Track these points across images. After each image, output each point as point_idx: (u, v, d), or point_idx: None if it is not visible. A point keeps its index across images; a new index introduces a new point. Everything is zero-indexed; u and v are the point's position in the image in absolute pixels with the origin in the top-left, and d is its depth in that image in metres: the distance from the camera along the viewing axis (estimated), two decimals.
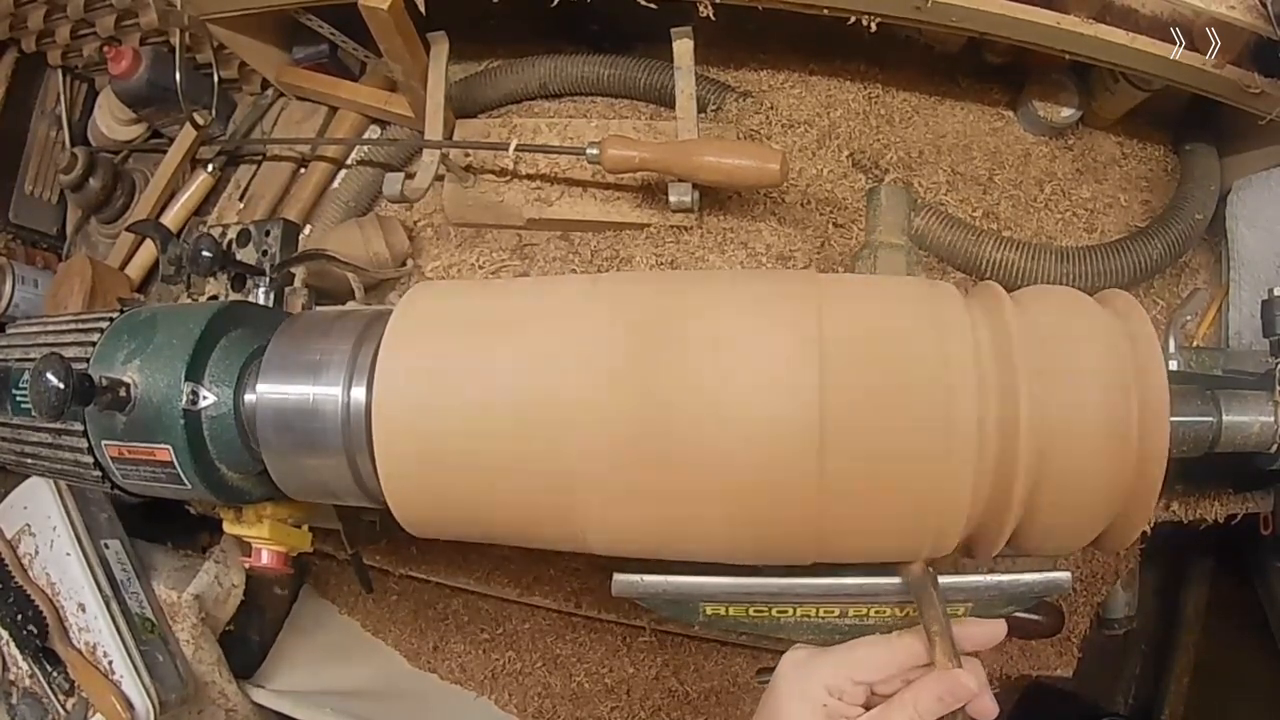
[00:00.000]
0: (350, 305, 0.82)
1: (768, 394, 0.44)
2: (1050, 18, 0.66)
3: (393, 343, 0.50)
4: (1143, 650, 1.28)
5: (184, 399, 0.54)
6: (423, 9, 0.78)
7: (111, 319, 0.60)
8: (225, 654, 1.05)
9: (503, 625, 1.24)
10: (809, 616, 0.49)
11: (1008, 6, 0.66)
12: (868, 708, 0.46)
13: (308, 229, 0.97)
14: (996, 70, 0.87)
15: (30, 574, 0.95)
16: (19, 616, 0.91)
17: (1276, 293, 0.58)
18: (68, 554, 0.93)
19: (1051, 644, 0.97)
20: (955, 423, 0.43)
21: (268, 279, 0.83)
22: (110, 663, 0.91)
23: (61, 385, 0.50)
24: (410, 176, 0.85)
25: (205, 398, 0.56)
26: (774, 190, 0.84)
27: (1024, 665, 0.98)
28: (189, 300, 0.90)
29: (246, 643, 1.17)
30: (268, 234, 0.86)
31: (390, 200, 0.86)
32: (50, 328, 0.64)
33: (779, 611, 0.50)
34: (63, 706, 0.92)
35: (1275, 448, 0.51)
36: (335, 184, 1.00)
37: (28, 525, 0.96)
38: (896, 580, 0.47)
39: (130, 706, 0.89)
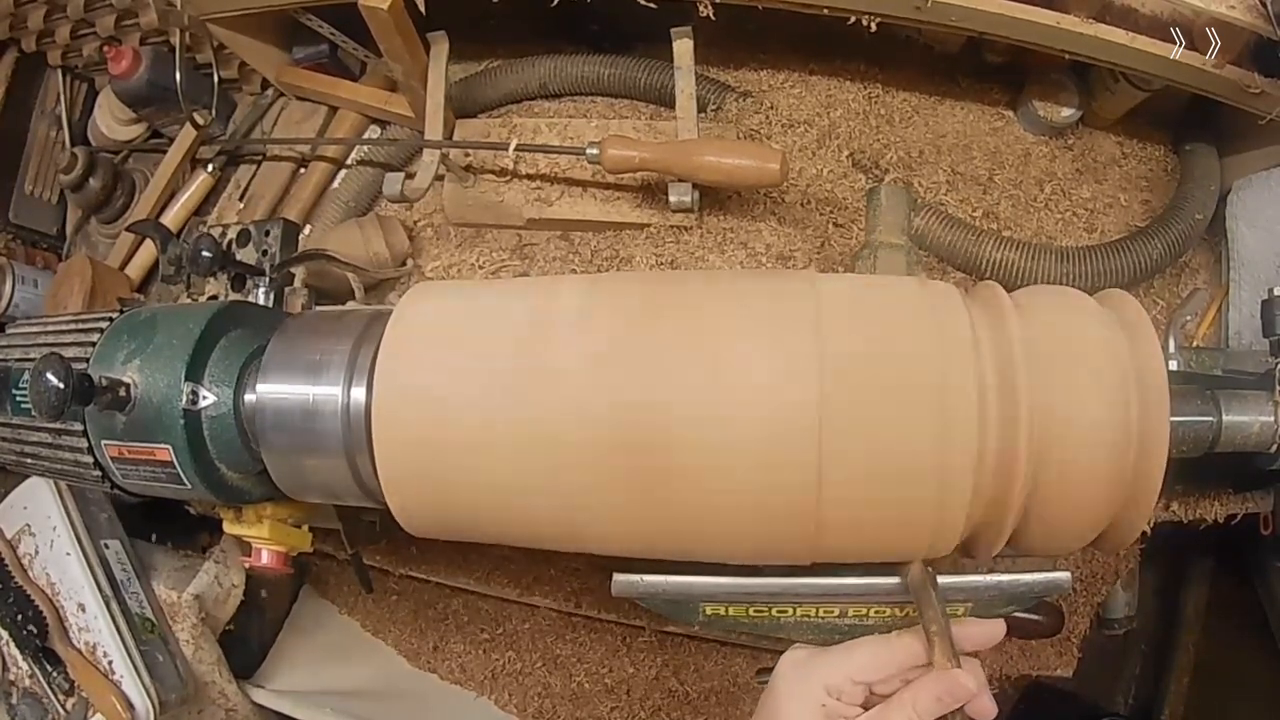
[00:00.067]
0: (350, 305, 0.82)
1: (767, 395, 0.44)
2: (1050, 17, 0.66)
3: (393, 343, 0.50)
4: (1143, 650, 1.28)
5: (184, 399, 0.54)
6: (423, 9, 0.78)
7: (111, 319, 0.60)
8: (225, 654, 1.05)
9: (503, 625, 1.24)
10: (809, 616, 0.49)
11: (1007, 6, 0.66)
12: (866, 708, 0.46)
13: (308, 229, 0.97)
14: (996, 70, 0.87)
15: (30, 574, 0.95)
16: (19, 616, 0.91)
17: (1276, 293, 0.58)
18: (68, 554, 0.93)
19: (1051, 644, 0.97)
20: (955, 423, 0.43)
21: (268, 279, 0.83)
22: (110, 663, 0.91)
23: (61, 385, 0.50)
24: (410, 176, 0.85)
25: (205, 398, 0.56)
26: (774, 190, 0.84)
27: (1024, 665, 0.98)
28: (189, 300, 0.90)
29: (246, 643, 1.17)
30: (268, 234, 0.86)
31: (390, 200, 0.86)
32: (50, 328, 0.64)
33: (779, 611, 0.50)
34: (63, 706, 0.92)
35: (1275, 448, 0.51)
36: (335, 184, 1.00)
37: (28, 525, 0.96)
38: (896, 580, 0.47)
39: (130, 706, 0.89)
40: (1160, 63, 0.66)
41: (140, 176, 1.11)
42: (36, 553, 0.95)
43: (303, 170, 1.02)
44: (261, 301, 0.82)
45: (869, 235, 0.67)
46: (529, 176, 0.88)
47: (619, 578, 0.50)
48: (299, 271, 0.83)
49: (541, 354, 0.47)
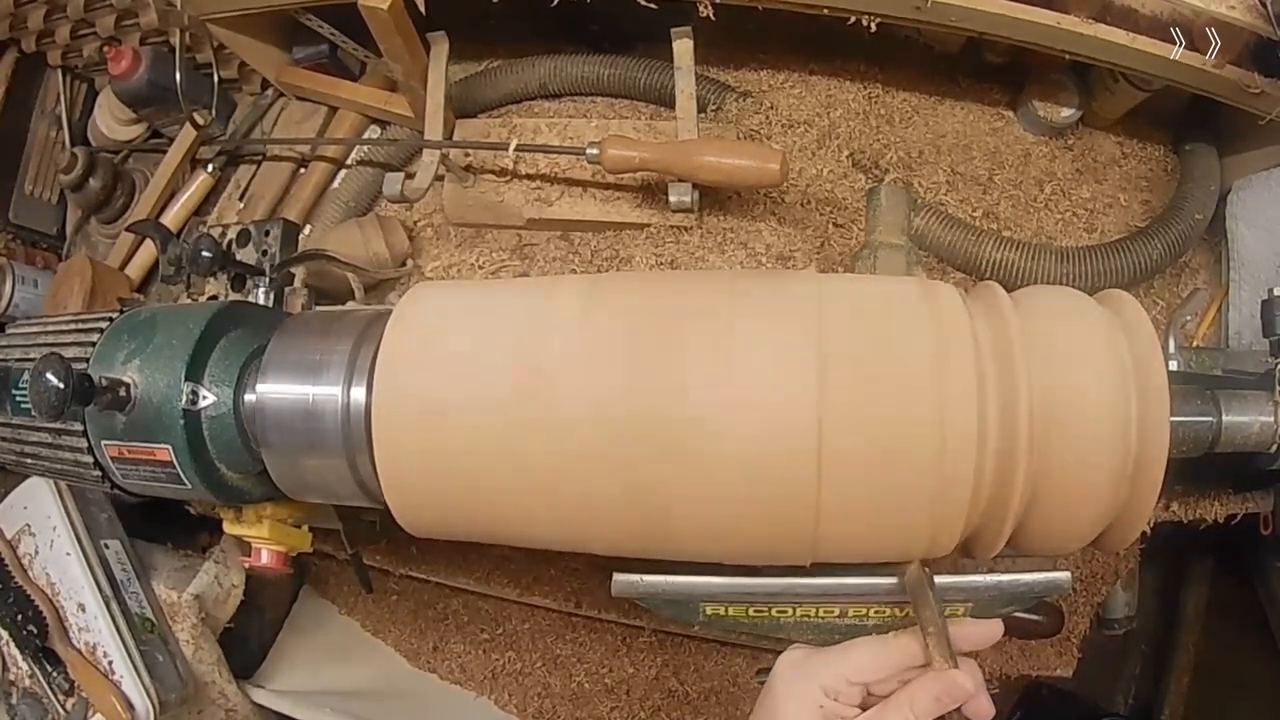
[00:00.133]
0: (350, 305, 0.82)
1: (767, 396, 0.44)
2: (1050, 18, 0.66)
3: (392, 343, 0.50)
4: (1143, 650, 1.28)
5: (184, 399, 0.54)
6: (423, 9, 0.78)
7: (111, 319, 0.60)
8: (225, 654, 1.05)
9: (503, 625, 1.24)
10: (808, 616, 0.49)
11: (1007, 6, 0.66)
12: (864, 708, 0.46)
13: (308, 229, 0.97)
14: (996, 70, 0.87)
15: (30, 574, 0.95)
16: (19, 616, 0.91)
17: (1276, 293, 0.58)
18: (68, 554, 0.93)
19: (1051, 644, 0.97)
20: (954, 423, 0.43)
21: (268, 279, 0.83)
22: (110, 663, 0.91)
23: (61, 385, 0.50)
24: (410, 176, 0.85)
25: (205, 398, 0.56)
26: (774, 190, 0.84)
27: (1024, 665, 0.98)
28: (189, 300, 0.90)
29: (246, 643, 1.17)
30: (268, 234, 0.86)
31: (390, 200, 0.86)
32: (50, 328, 0.64)
33: (779, 611, 0.50)
34: (63, 706, 0.92)
35: (1275, 448, 0.51)
36: (335, 184, 1.00)
37: (28, 525, 0.96)
38: (895, 581, 0.47)
39: (130, 706, 0.89)
40: (1160, 63, 0.66)
41: (140, 176, 1.11)
42: (36, 553, 0.95)
43: (303, 170, 1.02)
44: (261, 301, 0.82)
45: (869, 235, 0.67)
46: (529, 176, 0.88)
47: (619, 578, 0.50)
48: (299, 271, 0.83)
49: (541, 354, 0.47)
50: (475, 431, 0.47)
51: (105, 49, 1.00)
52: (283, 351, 0.55)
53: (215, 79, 1.01)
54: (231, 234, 0.87)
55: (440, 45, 0.86)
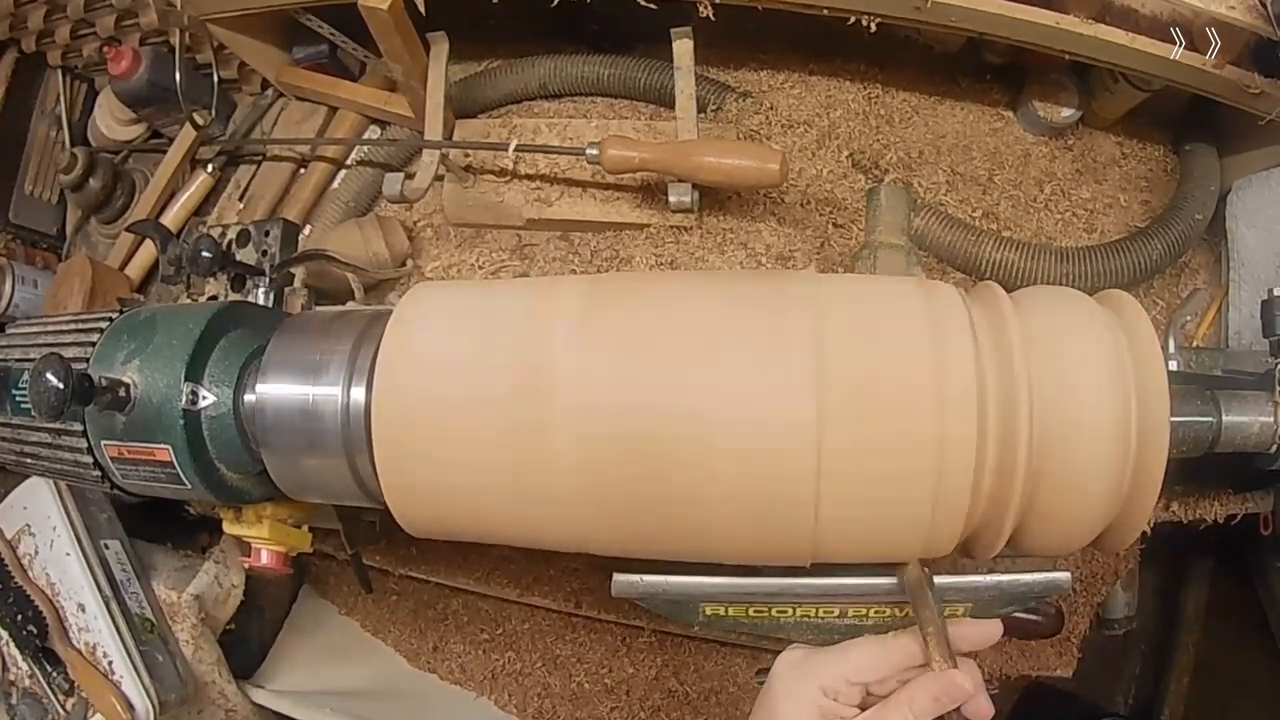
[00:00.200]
0: (350, 305, 0.82)
1: (766, 395, 0.44)
2: (1050, 18, 0.66)
3: (392, 343, 0.50)
4: (1143, 650, 1.28)
5: (184, 399, 0.54)
6: (423, 9, 0.78)
7: (111, 319, 0.60)
8: (225, 654, 1.05)
9: (503, 625, 1.24)
10: (808, 616, 0.49)
11: (1007, 6, 0.66)
12: (863, 708, 0.46)
13: (307, 229, 0.97)
14: (996, 70, 0.87)
15: (30, 574, 0.95)
16: (19, 616, 0.91)
17: (1276, 293, 0.58)
18: (67, 554, 0.93)
19: (1051, 644, 0.97)
20: (954, 423, 0.43)
21: (267, 279, 0.83)
22: (110, 663, 0.91)
23: (61, 385, 0.50)
24: (410, 176, 0.85)
25: (205, 398, 0.56)
26: (774, 190, 0.84)
27: (1024, 665, 0.98)
28: (189, 300, 0.90)
29: (246, 643, 1.17)
30: (267, 234, 0.86)
31: (390, 200, 0.85)
32: (50, 328, 0.64)
33: (778, 611, 0.50)
34: (62, 707, 0.92)
35: (1275, 448, 0.51)
36: (335, 184, 1.00)
37: (28, 525, 0.96)
38: (895, 581, 0.47)
39: (130, 707, 0.89)
40: (1160, 63, 0.66)
41: (140, 176, 1.11)
42: (36, 553, 0.95)
43: (303, 170, 1.02)
44: (261, 301, 0.82)
45: (869, 235, 0.67)
46: (529, 177, 0.88)
47: (619, 578, 0.50)
48: (299, 272, 0.83)
49: (541, 355, 0.47)
50: (475, 431, 0.47)
51: (105, 49, 1.00)
52: (283, 351, 0.55)
53: (215, 79, 1.01)
54: (231, 234, 0.87)
55: (440, 45, 0.86)
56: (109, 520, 0.99)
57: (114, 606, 0.93)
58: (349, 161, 1.01)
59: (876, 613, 0.49)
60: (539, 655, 1.22)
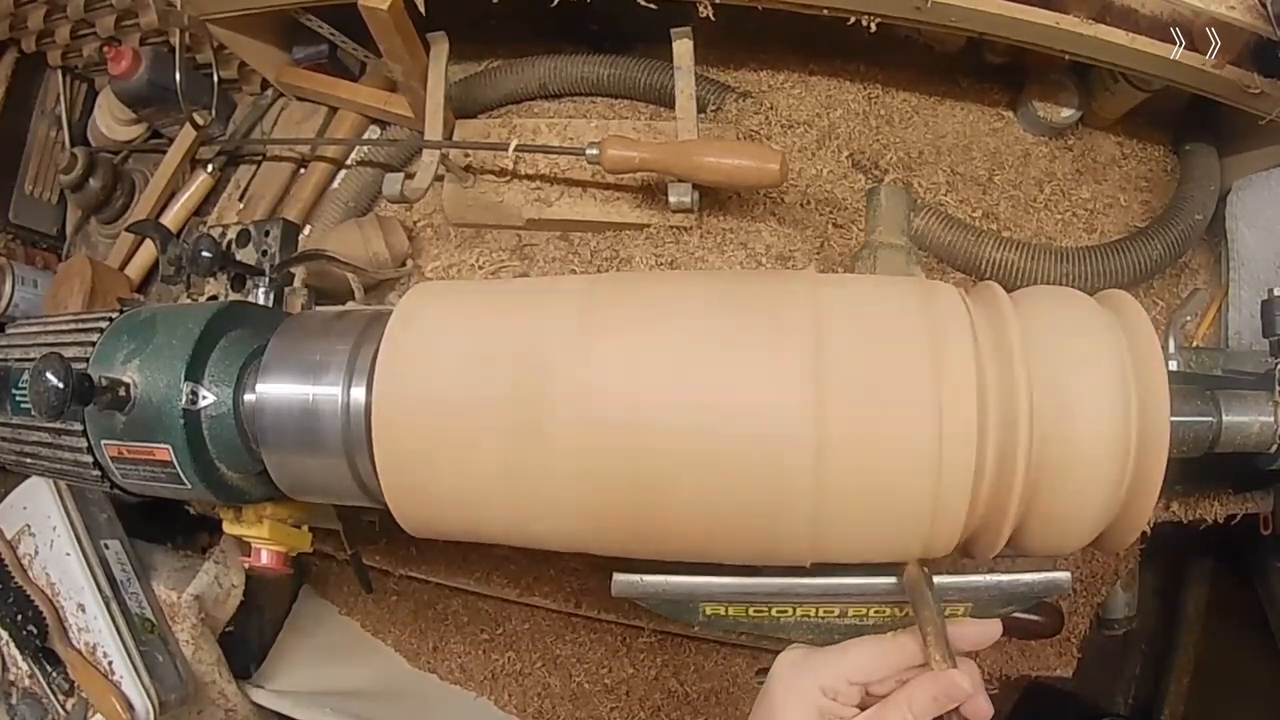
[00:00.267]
0: (350, 305, 0.82)
1: (765, 396, 0.44)
2: (1050, 18, 0.66)
3: (392, 343, 0.50)
4: (1143, 650, 1.28)
5: (184, 399, 0.54)
6: (423, 9, 0.78)
7: (111, 319, 0.60)
8: (225, 654, 1.05)
9: (503, 625, 1.24)
10: (808, 616, 0.50)
11: (1007, 6, 0.66)
12: (863, 708, 0.46)
13: (308, 229, 0.97)
14: (996, 70, 0.87)
15: (30, 574, 0.95)
16: (19, 616, 0.91)
17: (1276, 293, 0.58)
18: (67, 554, 0.93)
19: (1051, 644, 0.97)
20: (954, 423, 0.43)
21: (267, 279, 0.83)
22: (110, 663, 0.91)
23: (61, 385, 0.50)
24: (410, 176, 0.85)
25: (205, 397, 0.56)
26: (774, 190, 0.84)
27: (1024, 665, 0.98)
28: (189, 300, 0.90)
29: (246, 643, 1.17)
30: (267, 234, 0.86)
31: (390, 200, 0.85)
32: (50, 328, 0.64)
33: (779, 611, 0.50)
34: (62, 707, 0.92)
35: (1275, 448, 0.51)
36: (335, 184, 1.00)
37: (28, 525, 0.96)
38: (895, 580, 0.47)
39: (130, 707, 0.89)
40: (1160, 63, 0.66)
41: (140, 176, 1.11)
42: (36, 553, 0.95)
43: (303, 170, 1.02)
44: (261, 301, 0.82)
45: (869, 235, 0.67)
46: (529, 177, 0.88)
47: (619, 578, 0.50)
48: (299, 271, 0.83)
49: (541, 355, 0.47)
50: (475, 431, 0.47)
51: (105, 49, 1.00)
52: (283, 351, 0.55)
53: (215, 79, 1.01)
54: (231, 234, 0.87)
55: (440, 45, 0.86)
56: (109, 520, 0.99)
57: (114, 606, 0.93)
58: (349, 161, 1.01)
59: (876, 613, 0.49)
60: (539, 655, 1.22)
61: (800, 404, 0.43)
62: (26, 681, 0.94)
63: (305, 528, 0.71)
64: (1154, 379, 0.44)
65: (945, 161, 0.85)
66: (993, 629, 0.48)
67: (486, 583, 1.13)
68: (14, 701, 0.94)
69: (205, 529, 1.14)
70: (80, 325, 0.62)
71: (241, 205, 1.02)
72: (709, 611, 0.51)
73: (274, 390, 0.54)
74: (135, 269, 1.05)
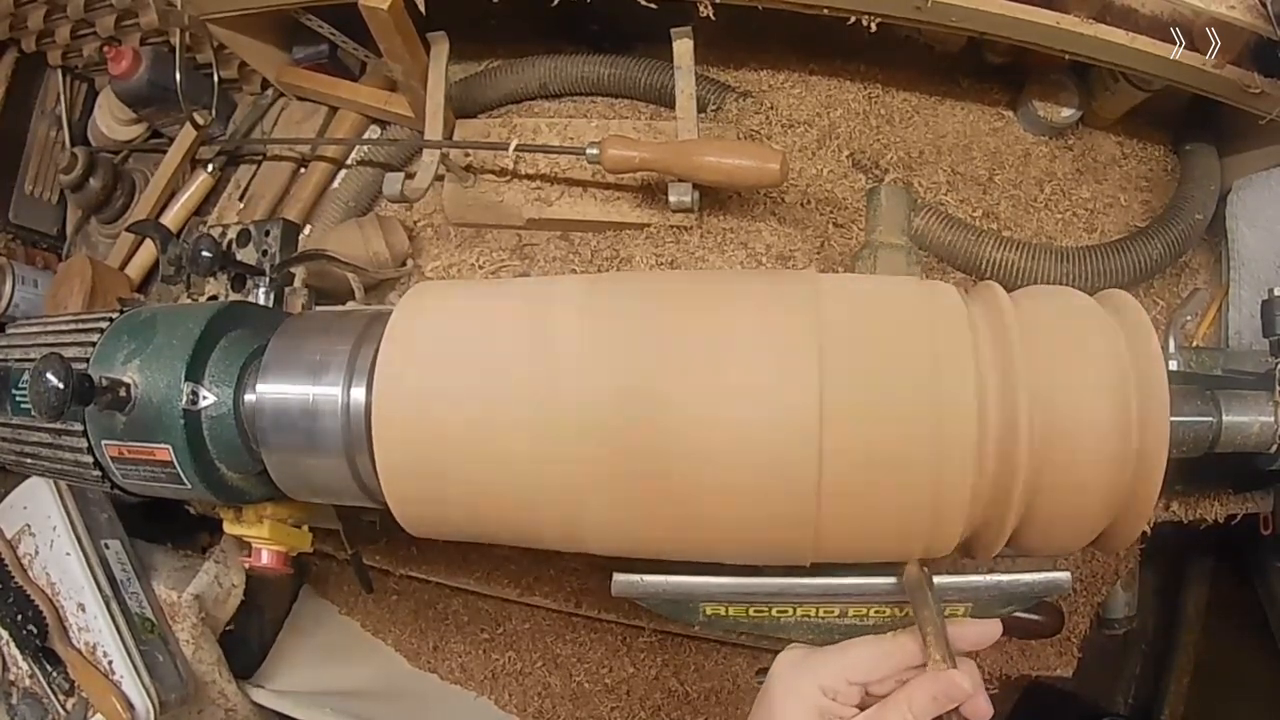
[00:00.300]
0: (350, 305, 0.82)
1: (766, 396, 0.44)
2: (1050, 18, 0.66)
3: (392, 342, 0.50)
4: (1143, 650, 1.28)
5: (184, 399, 0.54)
6: (423, 9, 0.78)
7: (111, 319, 0.60)
8: (225, 654, 1.05)
9: (503, 625, 1.24)
10: (809, 616, 0.50)
11: (1008, 6, 0.66)
12: (862, 708, 0.46)
13: (308, 229, 0.97)
14: (996, 70, 0.87)
15: (30, 574, 0.95)
16: (19, 616, 0.91)
17: (1276, 293, 0.58)
18: (68, 554, 0.93)
19: (1051, 644, 0.97)
20: (954, 423, 0.43)
21: (268, 279, 0.83)
22: (110, 663, 0.91)
23: (61, 385, 0.50)
24: (410, 176, 0.85)
25: (205, 398, 0.56)
26: (774, 190, 0.84)
27: (1024, 665, 0.98)
28: (189, 300, 0.90)
29: (246, 643, 1.17)
30: (268, 234, 0.86)
31: (390, 200, 0.86)
32: (50, 328, 0.64)
33: (779, 611, 0.50)
34: (63, 706, 0.92)
35: (1275, 448, 0.51)
36: (335, 184, 1.00)
37: (28, 525, 0.96)
38: (895, 580, 0.47)
39: (130, 706, 0.89)
40: (1160, 63, 0.66)
41: (140, 176, 1.11)
42: (36, 553, 0.95)
43: (303, 170, 1.02)
44: (261, 301, 0.82)
45: (869, 235, 0.67)
46: (529, 176, 0.88)
47: (619, 578, 0.50)
48: (299, 271, 0.83)
49: (541, 354, 0.47)
50: (475, 431, 0.47)
51: (105, 49, 1.00)
52: (283, 351, 0.55)
53: (215, 79, 1.01)
54: (231, 234, 0.87)
55: (440, 45, 0.86)
56: (109, 520, 0.99)
57: (114, 606, 0.93)
58: (349, 161, 1.01)
59: (876, 613, 0.49)
60: (539, 655, 1.22)
61: (802, 405, 0.43)
62: (27, 681, 0.94)
63: (305, 528, 0.71)
64: (1154, 379, 0.44)
65: (945, 161, 0.85)
66: (993, 629, 0.48)
67: (487, 582, 1.13)
68: (14, 701, 0.94)
69: (205, 529, 1.14)
70: (80, 325, 0.62)
71: (242, 205, 1.02)
72: (709, 611, 0.51)
73: (274, 390, 0.54)
74: (135, 269, 1.05)
